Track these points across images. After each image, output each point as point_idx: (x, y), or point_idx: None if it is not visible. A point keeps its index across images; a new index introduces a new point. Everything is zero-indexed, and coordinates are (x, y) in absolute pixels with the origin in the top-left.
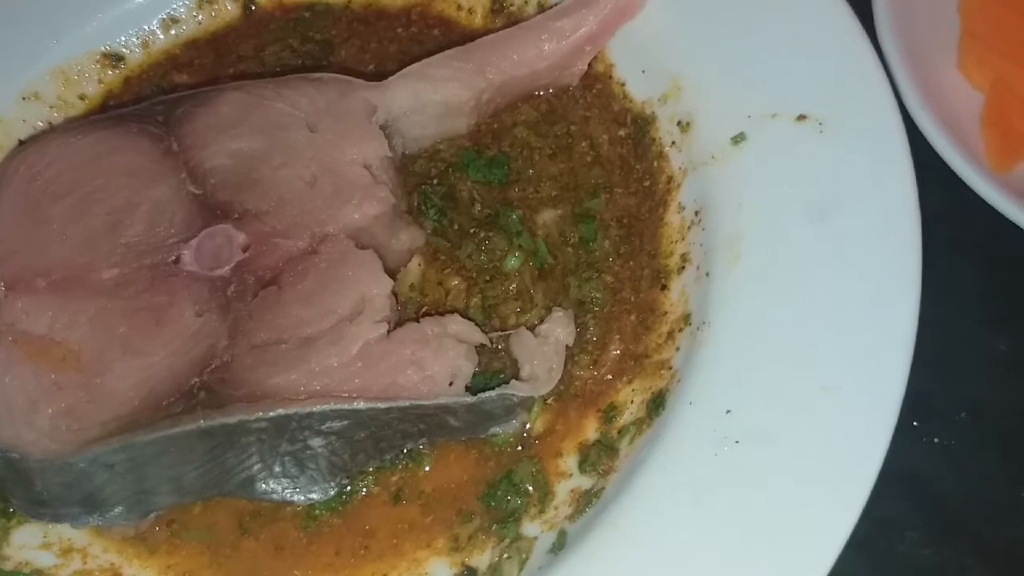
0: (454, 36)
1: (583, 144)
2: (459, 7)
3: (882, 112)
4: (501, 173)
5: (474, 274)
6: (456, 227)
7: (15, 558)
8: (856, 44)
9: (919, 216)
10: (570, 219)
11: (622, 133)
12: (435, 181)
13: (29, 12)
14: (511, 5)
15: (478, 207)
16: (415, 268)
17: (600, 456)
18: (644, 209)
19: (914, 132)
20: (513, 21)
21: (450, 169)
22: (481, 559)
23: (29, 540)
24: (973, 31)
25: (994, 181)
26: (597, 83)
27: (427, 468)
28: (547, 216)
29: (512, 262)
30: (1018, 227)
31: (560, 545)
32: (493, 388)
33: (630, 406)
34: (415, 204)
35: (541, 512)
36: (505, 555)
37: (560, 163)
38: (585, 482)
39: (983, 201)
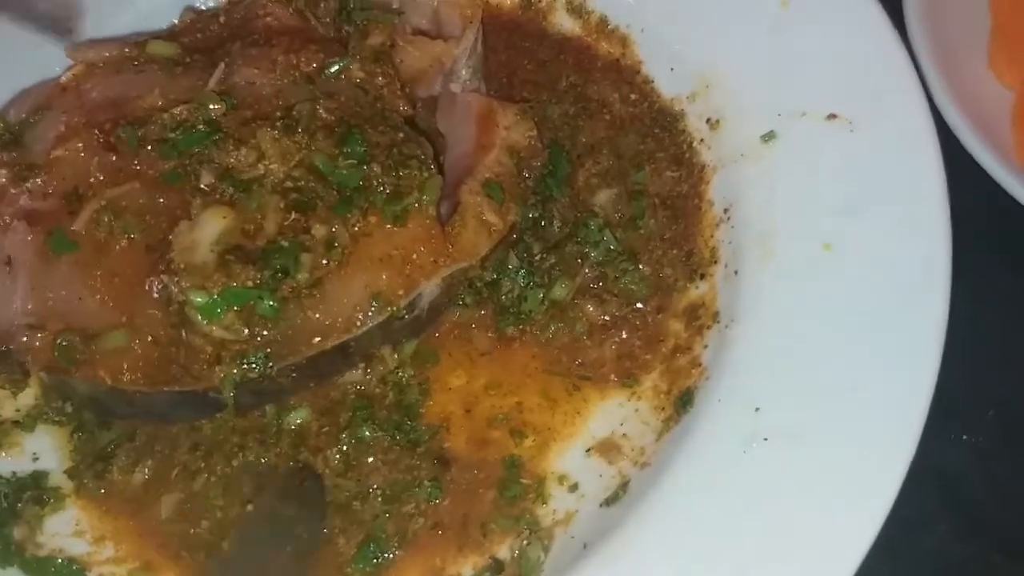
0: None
1: (594, 102)
2: (488, 2)
3: (912, 111)
4: (563, 163)
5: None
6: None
7: (48, 545)
8: (886, 43)
9: (949, 214)
10: (624, 197)
11: (634, 96)
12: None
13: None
14: (540, 1)
15: (557, 224)
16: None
17: None
18: (686, 187)
19: (944, 130)
20: (542, 16)
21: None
22: (503, 550)
23: (62, 527)
24: (1004, 29)
25: None
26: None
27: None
28: (603, 197)
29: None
30: None
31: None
32: None
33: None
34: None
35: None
36: (525, 541)
37: (599, 126)
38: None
39: (1013, 199)
